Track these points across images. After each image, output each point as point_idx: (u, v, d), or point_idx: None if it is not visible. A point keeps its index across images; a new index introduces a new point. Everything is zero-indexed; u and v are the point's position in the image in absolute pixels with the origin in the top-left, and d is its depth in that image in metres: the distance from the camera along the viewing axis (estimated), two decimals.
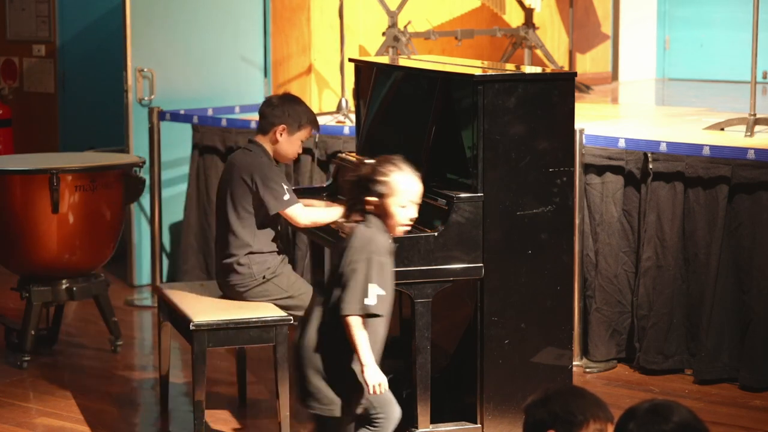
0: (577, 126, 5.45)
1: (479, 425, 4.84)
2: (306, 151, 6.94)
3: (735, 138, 6.15)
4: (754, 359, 5.62)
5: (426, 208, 4.54)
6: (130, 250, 7.64)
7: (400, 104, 5.43)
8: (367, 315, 4.07)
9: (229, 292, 5.19)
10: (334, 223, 5.17)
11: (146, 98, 7.55)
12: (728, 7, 10.84)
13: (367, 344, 4.09)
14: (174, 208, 7.64)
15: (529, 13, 9.25)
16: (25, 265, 6.20)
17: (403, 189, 4.26)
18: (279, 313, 5.02)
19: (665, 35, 11.34)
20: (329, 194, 5.61)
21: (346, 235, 4.34)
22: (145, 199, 7.31)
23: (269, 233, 5.19)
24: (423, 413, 4.70)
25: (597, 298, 6.06)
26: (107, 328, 6.35)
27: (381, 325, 4.19)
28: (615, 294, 6.04)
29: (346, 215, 4.36)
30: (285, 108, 5.24)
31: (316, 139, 6.95)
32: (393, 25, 8.06)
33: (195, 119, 7.43)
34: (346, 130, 6.90)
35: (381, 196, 4.22)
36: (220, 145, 7.37)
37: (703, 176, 5.75)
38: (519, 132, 4.77)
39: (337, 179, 5.67)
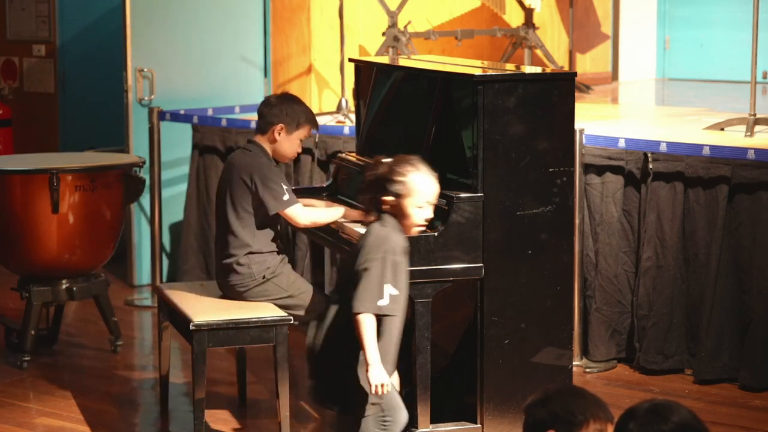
0: (577, 126, 5.45)
1: (479, 425, 4.84)
2: (306, 151, 6.94)
3: (735, 138, 6.15)
4: (754, 359, 5.62)
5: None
6: (130, 250, 7.64)
7: (400, 104, 5.43)
8: (379, 314, 4.08)
9: (229, 292, 5.19)
10: (334, 223, 5.17)
11: (146, 98, 7.55)
12: (728, 7, 10.84)
13: (374, 344, 4.09)
14: (174, 208, 7.64)
15: (529, 13, 9.25)
16: (25, 265, 6.20)
17: (420, 189, 4.26)
18: (279, 313, 5.02)
19: (665, 35, 11.34)
20: (329, 194, 5.61)
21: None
22: (145, 199, 7.31)
23: (269, 233, 5.18)
24: (423, 413, 4.70)
25: (597, 298, 6.06)
26: (107, 328, 6.35)
27: (396, 325, 4.20)
28: (615, 294, 6.04)
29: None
30: (283, 107, 5.24)
31: (316, 139, 6.95)
32: (393, 25, 8.06)
33: (195, 119, 7.43)
34: (346, 130, 6.90)
35: (398, 196, 4.21)
36: (220, 145, 7.37)
37: (703, 176, 5.75)
38: (519, 132, 4.77)
39: (337, 179, 5.67)
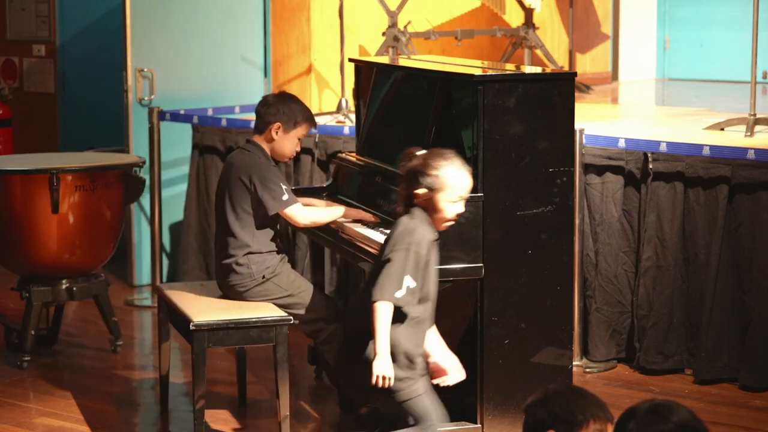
0: (577, 126, 5.45)
1: (479, 425, 4.84)
2: (306, 151, 6.94)
3: (735, 138, 6.15)
4: (754, 359, 5.62)
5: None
6: (130, 250, 7.64)
7: (400, 104, 5.43)
8: (395, 305, 4.08)
9: (229, 292, 5.19)
10: (334, 222, 5.17)
11: (146, 98, 7.55)
12: (728, 7, 10.84)
13: (386, 334, 4.08)
14: (174, 208, 7.64)
15: (529, 13, 9.25)
16: (25, 265, 6.20)
17: (454, 184, 4.23)
18: (279, 313, 5.02)
19: (665, 35, 11.34)
20: (329, 194, 5.61)
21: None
22: (145, 199, 7.31)
23: (268, 233, 5.18)
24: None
25: (597, 298, 6.06)
26: (107, 328, 6.35)
27: (425, 321, 4.19)
28: (615, 294, 6.04)
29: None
30: (280, 106, 5.24)
31: (316, 139, 6.95)
32: (393, 25, 8.06)
33: (195, 119, 7.44)
34: (346, 130, 6.90)
35: (431, 189, 4.20)
36: (220, 145, 7.37)
37: (703, 176, 5.75)
38: (519, 132, 4.77)
39: (337, 179, 5.67)
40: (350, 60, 6.01)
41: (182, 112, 7.47)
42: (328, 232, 5.21)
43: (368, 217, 5.13)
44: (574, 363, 5.02)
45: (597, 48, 10.62)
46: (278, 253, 5.23)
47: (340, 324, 5.23)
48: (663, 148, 5.85)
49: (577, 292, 5.93)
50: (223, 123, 7.35)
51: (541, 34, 9.44)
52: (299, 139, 5.29)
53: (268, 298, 5.14)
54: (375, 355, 4.09)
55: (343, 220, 5.16)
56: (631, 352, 6.02)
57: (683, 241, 5.85)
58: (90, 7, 8.82)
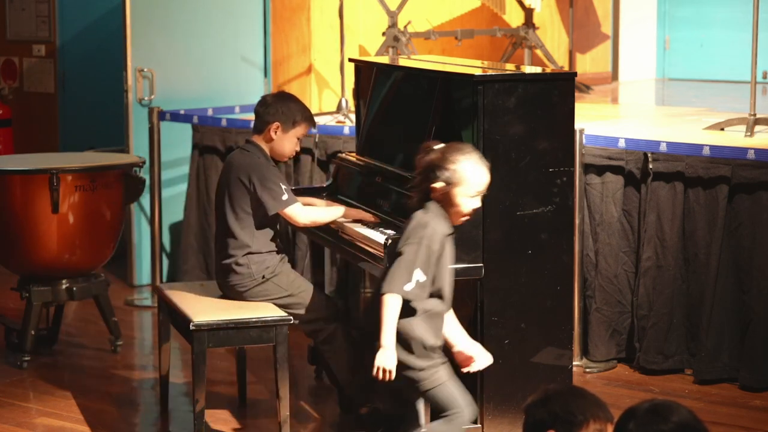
0: (577, 126, 5.45)
1: (479, 425, 4.83)
2: (306, 151, 6.95)
3: (735, 138, 6.15)
4: (754, 359, 5.62)
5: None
6: (130, 250, 7.64)
7: (400, 104, 5.43)
8: (404, 299, 4.08)
9: (229, 293, 5.19)
10: (334, 222, 5.17)
11: (146, 98, 7.55)
12: (728, 7, 10.84)
13: (393, 326, 4.08)
14: (174, 208, 7.64)
15: (529, 13, 9.25)
16: (25, 265, 6.20)
17: (471, 179, 4.21)
18: (279, 313, 5.02)
19: (665, 35, 11.34)
20: (329, 194, 5.61)
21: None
22: (145, 199, 7.31)
23: (268, 233, 5.18)
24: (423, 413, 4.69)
25: (597, 298, 6.06)
26: (107, 328, 6.35)
27: (439, 314, 4.19)
28: (615, 294, 6.04)
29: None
30: (278, 106, 5.24)
31: (316, 139, 6.95)
32: (393, 25, 8.06)
33: (195, 119, 7.44)
34: (346, 130, 6.90)
35: (448, 183, 4.19)
36: (220, 145, 7.37)
37: (703, 176, 5.75)
38: (519, 132, 4.77)
39: (337, 179, 5.67)
40: (350, 60, 6.01)
41: (182, 112, 7.47)
42: (328, 232, 5.21)
43: (368, 217, 5.13)
44: (574, 363, 5.02)
45: (597, 48, 10.62)
46: (278, 253, 5.23)
47: (340, 324, 5.24)
48: (663, 148, 5.85)
49: (577, 292, 5.93)
50: (223, 123, 7.35)
51: (541, 34, 9.44)
52: (298, 139, 5.29)
53: (268, 298, 5.14)
54: (380, 346, 4.08)
55: (343, 220, 5.16)
56: (631, 352, 6.02)
57: (683, 241, 5.85)
58: (90, 7, 8.82)
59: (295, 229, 6.41)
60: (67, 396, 5.68)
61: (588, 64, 10.50)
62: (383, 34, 8.10)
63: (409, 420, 4.36)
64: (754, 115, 6.26)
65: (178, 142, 7.57)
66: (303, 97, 6.20)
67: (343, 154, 5.72)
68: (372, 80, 5.57)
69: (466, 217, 4.29)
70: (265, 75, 8.07)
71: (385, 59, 6.65)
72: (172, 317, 5.26)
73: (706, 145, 5.74)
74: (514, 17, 9.39)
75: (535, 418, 3.00)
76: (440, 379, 4.22)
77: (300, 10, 8.17)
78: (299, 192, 5.54)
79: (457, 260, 4.69)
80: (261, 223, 5.14)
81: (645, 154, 5.91)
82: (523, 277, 4.81)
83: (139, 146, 7.45)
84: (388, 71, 5.56)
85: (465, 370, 4.36)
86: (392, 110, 5.47)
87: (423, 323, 4.20)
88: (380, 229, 4.96)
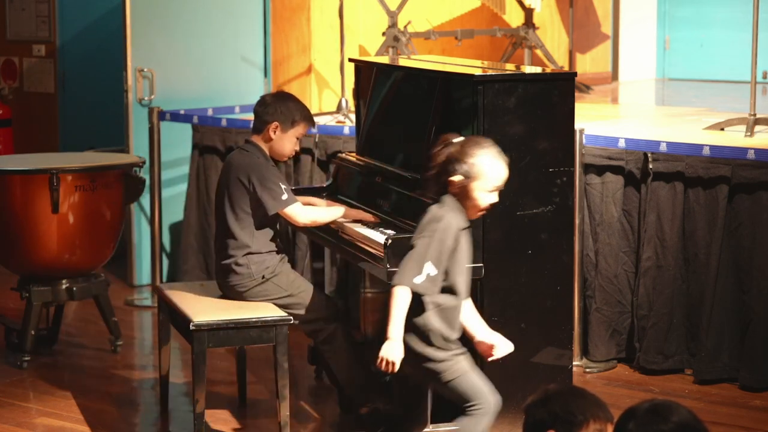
0: (577, 126, 5.45)
1: None
2: (306, 151, 6.95)
3: (735, 138, 6.15)
4: (754, 359, 5.62)
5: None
6: (130, 250, 7.64)
7: (400, 104, 5.43)
8: (414, 291, 4.08)
9: (229, 293, 5.19)
10: (334, 222, 5.17)
11: (146, 98, 7.55)
12: (728, 7, 10.84)
13: (401, 319, 4.07)
14: (174, 208, 7.64)
15: (529, 13, 9.25)
16: (25, 265, 6.20)
17: (489, 173, 4.20)
18: (279, 313, 5.02)
19: (665, 35, 11.34)
20: (329, 194, 5.61)
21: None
22: (145, 199, 7.31)
23: (268, 233, 5.18)
24: (423, 413, 4.69)
25: (597, 298, 6.06)
26: (107, 328, 6.35)
27: (454, 308, 4.19)
28: (615, 294, 6.04)
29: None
30: (277, 105, 5.24)
31: (316, 139, 6.95)
32: (393, 25, 8.06)
33: (195, 119, 7.44)
34: (346, 130, 6.90)
35: (466, 177, 4.17)
36: (220, 145, 7.37)
37: (703, 176, 5.75)
38: (519, 132, 4.77)
39: (337, 179, 5.67)
40: (350, 60, 6.01)
41: (182, 112, 7.47)
42: (328, 232, 5.21)
43: (368, 217, 5.13)
44: (574, 363, 5.02)
45: (597, 48, 10.62)
46: (278, 253, 5.23)
47: (340, 324, 5.23)
48: (663, 148, 5.85)
49: (577, 292, 5.93)
50: (223, 123, 7.35)
51: (541, 34, 9.44)
52: (298, 139, 5.29)
53: (268, 298, 5.14)
54: (387, 338, 4.08)
55: (343, 220, 5.16)
56: (631, 352, 6.02)
57: (683, 241, 5.85)
58: (90, 7, 8.82)
59: (295, 229, 6.41)
60: (67, 396, 5.68)
61: (588, 64, 10.50)
62: (383, 34, 8.11)
63: (415, 418, 4.36)
64: (754, 115, 6.26)
65: (178, 142, 7.57)
66: (303, 97, 6.20)
67: (343, 154, 5.71)
68: (372, 80, 5.57)
69: (483, 212, 4.28)
70: (265, 75, 8.07)
71: (385, 59, 6.65)
72: (172, 317, 5.26)
73: (706, 145, 5.74)
74: (514, 17, 9.39)
75: (535, 418, 3.00)
76: (462, 369, 4.21)
77: (300, 10, 8.17)
78: (299, 192, 5.54)
79: None
80: (261, 223, 5.14)
81: (645, 154, 5.91)
82: (523, 277, 4.81)
83: (139, 146, 7.45)
84: (388, 71, 5.56)
85: (489, 359, 4.35)
86: (392, 110, 5.47)
87: (438, 314, 4.19)
88: (380, 229, 4.95)
